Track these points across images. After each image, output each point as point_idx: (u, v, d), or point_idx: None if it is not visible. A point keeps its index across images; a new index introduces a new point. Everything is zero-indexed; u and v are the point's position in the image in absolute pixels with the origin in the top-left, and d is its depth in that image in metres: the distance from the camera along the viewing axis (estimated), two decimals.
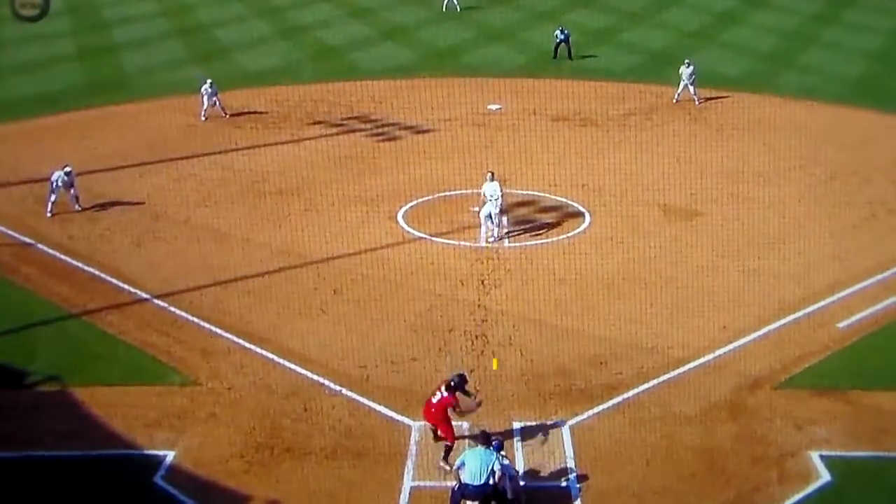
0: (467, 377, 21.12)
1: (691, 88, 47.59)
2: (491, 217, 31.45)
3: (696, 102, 47.51)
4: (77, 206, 34.09)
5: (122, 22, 69.47)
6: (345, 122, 45.20)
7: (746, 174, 37.61)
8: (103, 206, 34.73)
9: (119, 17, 70.99)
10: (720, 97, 48.80)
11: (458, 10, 71.84)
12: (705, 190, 35.40)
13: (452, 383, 20.42)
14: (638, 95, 49.24)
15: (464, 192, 34.31)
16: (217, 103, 45.39)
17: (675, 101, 47.89)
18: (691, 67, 47.68)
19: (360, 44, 62.70)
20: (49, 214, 33.61)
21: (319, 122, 45.17)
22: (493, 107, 46.96)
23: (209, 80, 45.66)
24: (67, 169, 33.96)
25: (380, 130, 43.80)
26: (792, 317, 26.65)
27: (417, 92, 45.72)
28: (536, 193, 35.50)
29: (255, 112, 46.68)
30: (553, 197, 35.28)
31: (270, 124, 44.95)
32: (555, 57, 57.29)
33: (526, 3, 75.15)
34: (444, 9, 72.26)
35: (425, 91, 45.95)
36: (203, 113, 45.19)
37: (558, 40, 57.29)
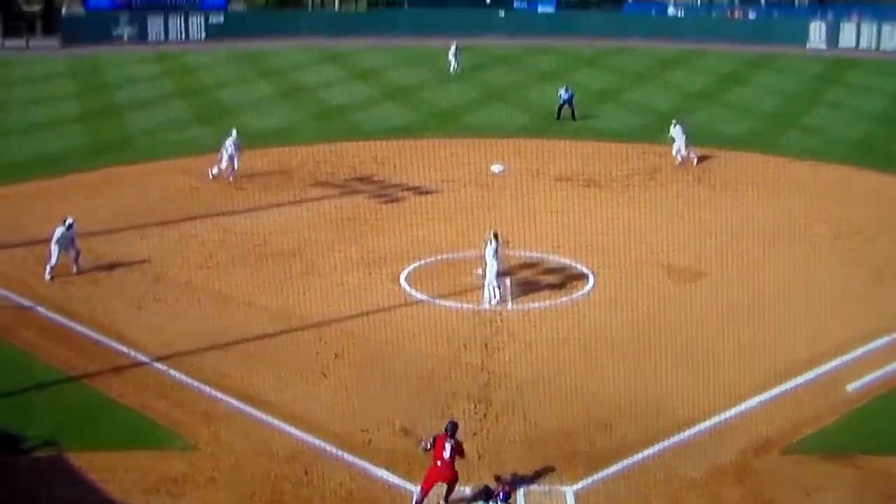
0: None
1: (686, 150, 47.38)
2: (493, 279, 31.26)
3: (695, 163, 47.39)
4: (74, 269, 33.61)
5: (126, 83, 69.80)
6: (347, 182, 45.20)
7: (750, 233, 37.51)
8: (104, 268, 34.52)
9: (122, 79, 71.38)
10: (723, 156, 48.82)
11: (460, 71, 72.20)
12: (710, 250, 35.33)
13: (447, 430, 20.58)
14: (641, 155, 49.32)
15: (466, 253, 34.15)
16: (234, 161, 44.57)
17: (678, 163, 47.68)
18: (678, 127, 47.61)
19: (362, 104, 63.00)
20: (48, 278, 33.24)
21: (322, 183, 45.15)
22: (497, 167, 46.89)
23: (235, 132, 45.14)
24: (69, 222, 33.40)
25: (382, 191, 43.78)
26: (799, 379, 26.42)
27: (420, 152, 45.75)
28: (540, 255, 35.36)
29: (257, 174, 46.65)
30: (557, 258, 35.15)
31: (273, 185, 44.90)
32: (558, 118, 57.33)
33: (529, 64, 75.58)
34: (450, 71, 72.59)
35: (428, 152, 45.94)
36: (214, 171, 44.42)
37: (562, 100, 57.36)
